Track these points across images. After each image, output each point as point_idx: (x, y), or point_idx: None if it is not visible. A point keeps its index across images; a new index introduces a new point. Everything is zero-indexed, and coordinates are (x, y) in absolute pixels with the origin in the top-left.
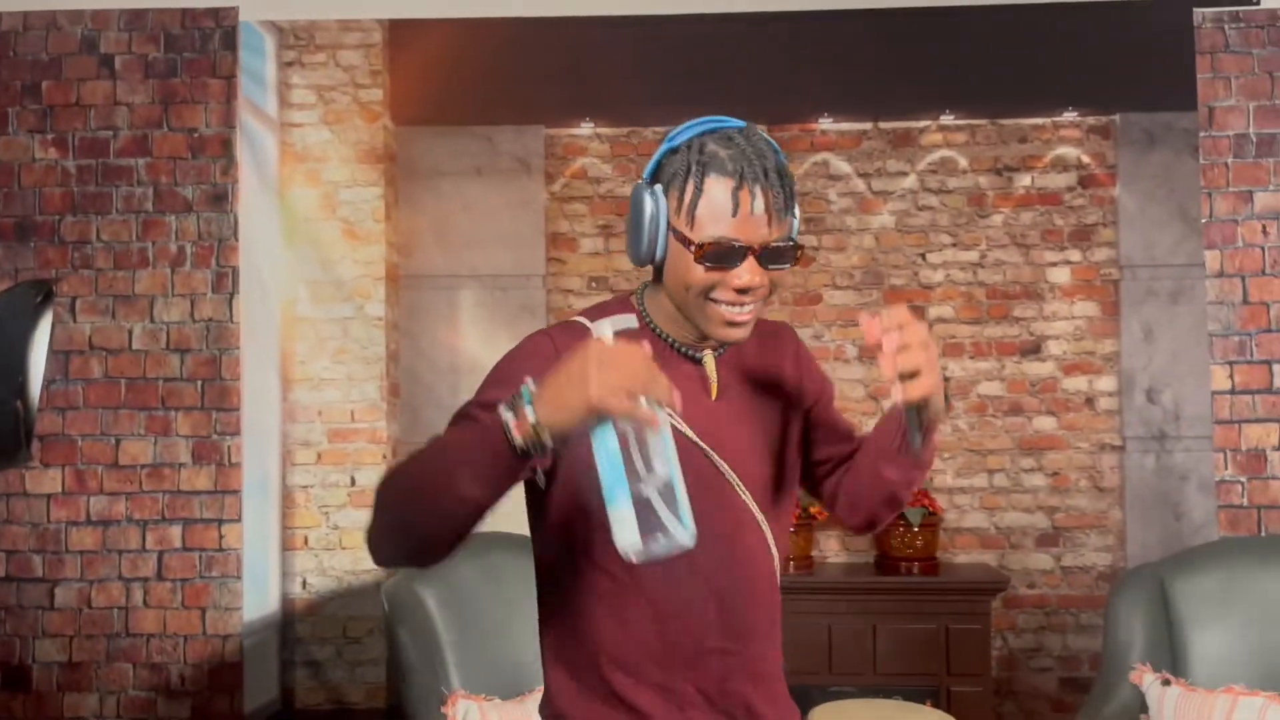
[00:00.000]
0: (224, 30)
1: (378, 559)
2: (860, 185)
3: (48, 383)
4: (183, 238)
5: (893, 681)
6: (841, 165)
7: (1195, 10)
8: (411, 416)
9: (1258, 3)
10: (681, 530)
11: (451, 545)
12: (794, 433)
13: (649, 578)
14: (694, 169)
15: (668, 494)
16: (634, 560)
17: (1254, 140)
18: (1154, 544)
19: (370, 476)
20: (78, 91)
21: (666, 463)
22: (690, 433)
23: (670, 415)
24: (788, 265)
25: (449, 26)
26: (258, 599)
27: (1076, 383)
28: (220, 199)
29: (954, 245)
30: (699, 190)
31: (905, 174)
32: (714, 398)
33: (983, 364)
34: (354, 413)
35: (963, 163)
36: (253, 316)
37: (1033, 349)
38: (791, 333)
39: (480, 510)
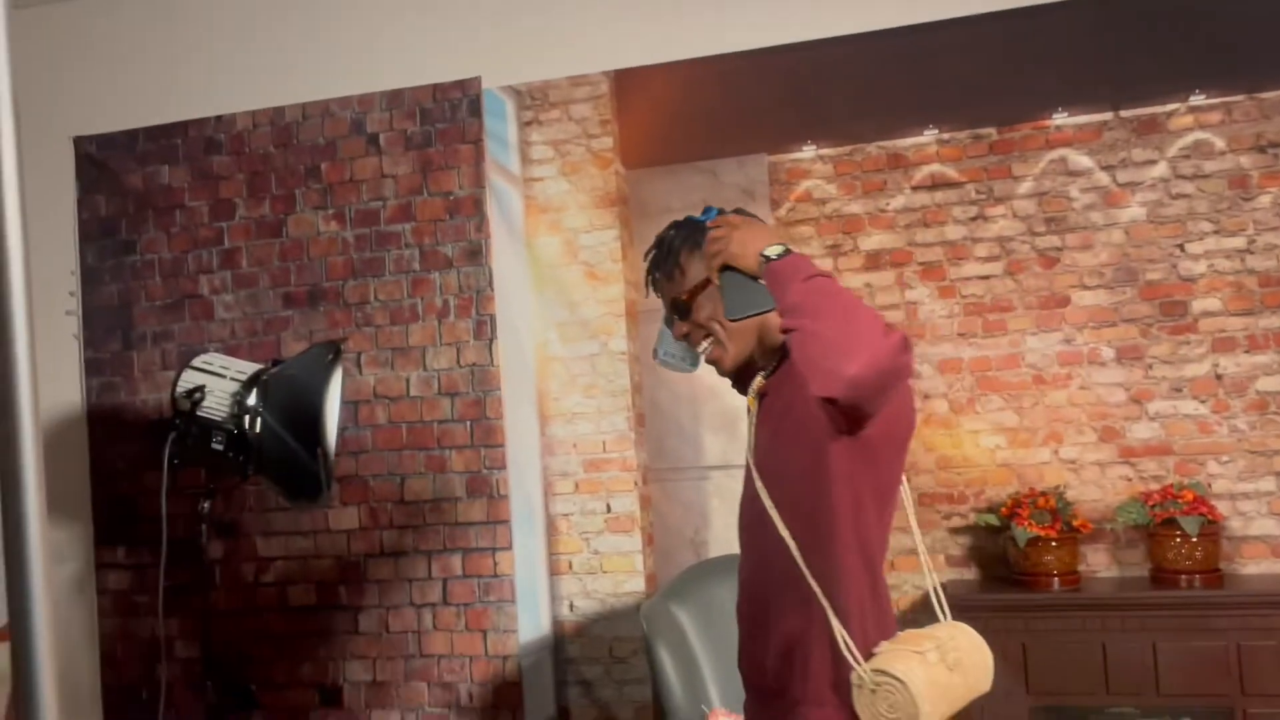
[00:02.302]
0: (470, 99)
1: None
2: (1104, 178)
3: (342, 430)
4: (446, 292)
5: (1179, 703)
6: (1081, 160)
7: None
8: (657, 444)
9: None
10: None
11: None
12: (823, 440)
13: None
14: None
15: None
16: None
17: None
18: None
19: (624, 503)
20: (350, 169)
21: None
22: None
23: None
24: (688, 312)
25: (669, 69)
26: (531, 622)
27: None
28: (476, 254)
29: (1216, 233)
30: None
31: (1154, 162)
32: (751, 405)
33: (1260, 358)
34: (605, 443)
35: (1219, 144)
36: (510, 359)
37: None
38: None
39: None
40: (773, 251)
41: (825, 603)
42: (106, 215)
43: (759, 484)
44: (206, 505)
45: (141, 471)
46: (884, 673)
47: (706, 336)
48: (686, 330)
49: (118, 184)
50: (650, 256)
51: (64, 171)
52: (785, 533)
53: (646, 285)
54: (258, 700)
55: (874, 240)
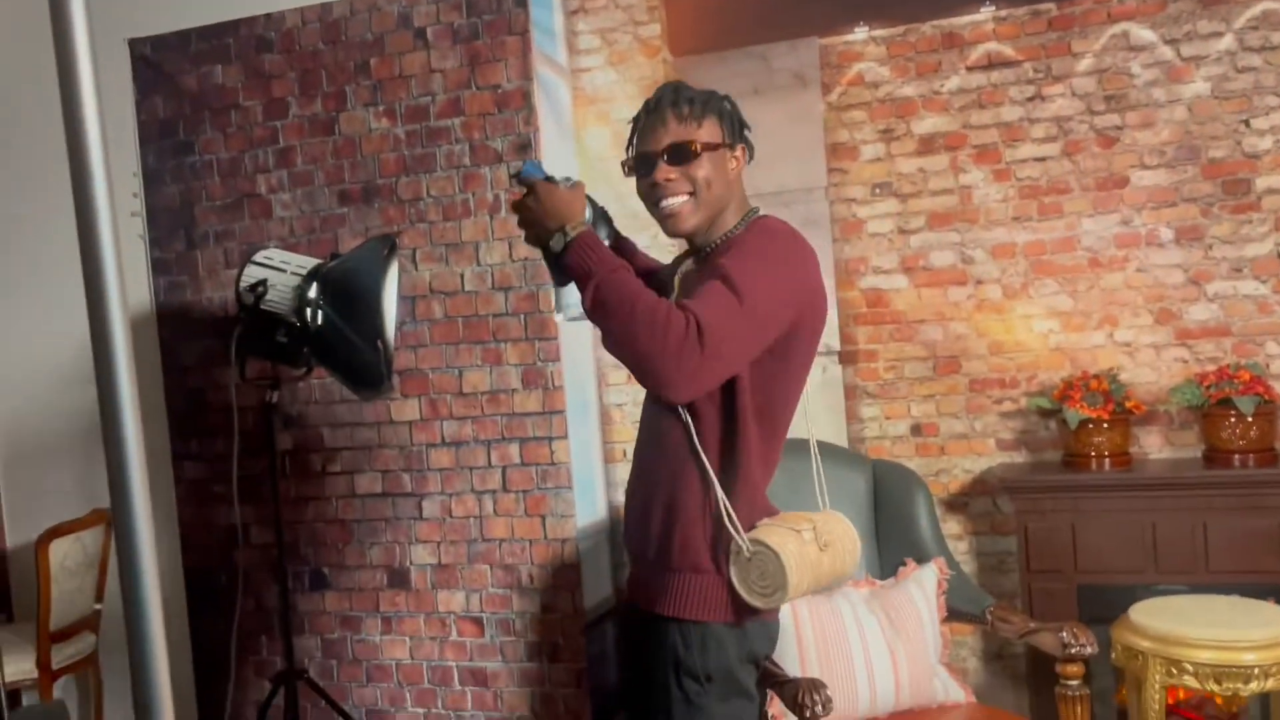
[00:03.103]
0: None
1: None
2: (1168, 53)
3: (400, 324)
4: (497, 186)
5: (1227, 579)
6: (1144, 34)
7: None
8: None
9: None
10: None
11: None
12: None
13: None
14: (631, 124)
15: None
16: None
17: None
18: None
19: None
20: (399, 64)
21: None
22: None
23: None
24: (691, 160)
25: None
26: (588, 507)
27: None
28: (525, 148)
29: None
30: (633, 129)
31: (1220, 34)
32: (676, 288)
33: None
34: None
35: None
36: None
37: None
38: (756, 228)
39: None
40: (556, 244)
41: (714, 478)
42: (165, 117)
43: None
44: (274, 397)
45: (210, 366)
46: (761, 543)
47: (688, 194)
48: (667, 177)
49: (173, 85)
50: (665, 96)
51: (121, 74)
52: (684, 411)
53: (634, 128)
54: (330, 581)
55: (927, 124)
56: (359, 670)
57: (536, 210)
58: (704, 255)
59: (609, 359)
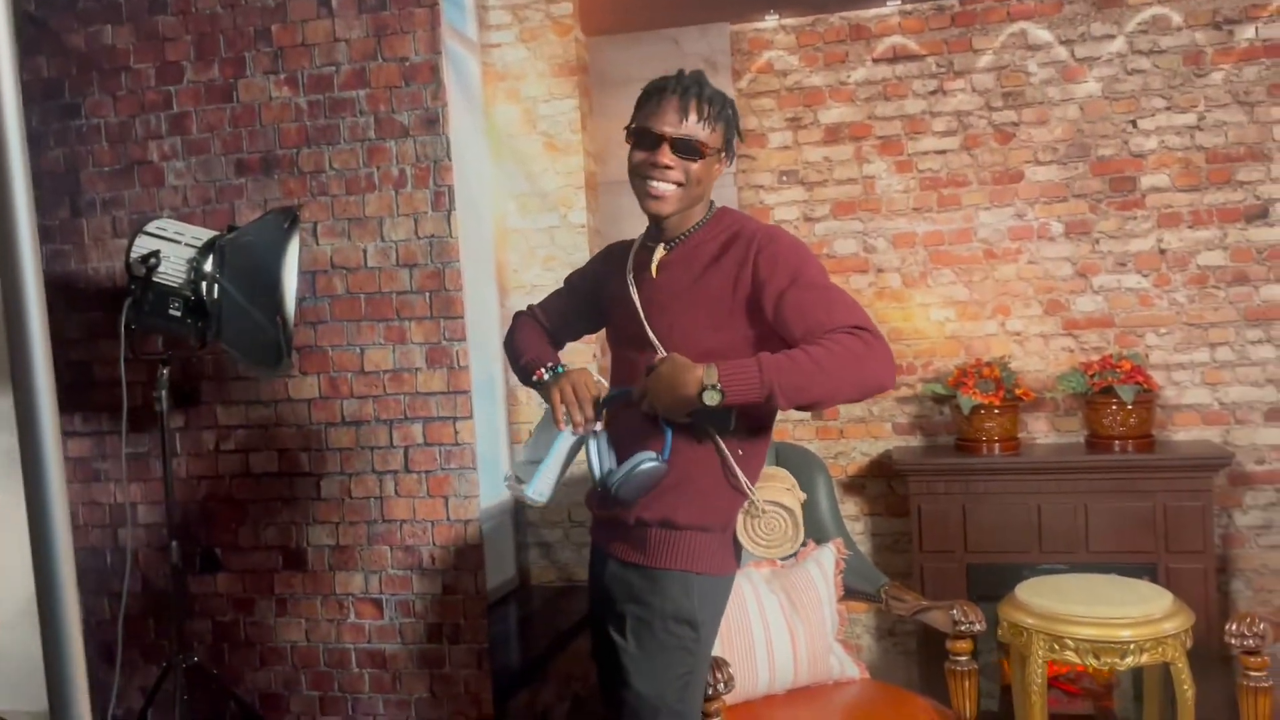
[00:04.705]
0: None
1: None
2: (1062, 53)
3: (300, 300)
4: (402, 161)
5: (1106, 559)
6: (1041, 34)
7: None
8: None
9: None
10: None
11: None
12: (737, 312)
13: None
14: (645, 91)
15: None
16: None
17: None
18: None
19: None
20: (302, 32)
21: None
22: (635, 297)
23: (630, 286)
24: (696, 159)
25: None
26: (492, 488)
27: None
28: (433, 122)
29: (1168, 109)
30: (642, 99)
31: (1112, 37)
32: (654, 274)
33: (1203, 233)
34: None
35: (1176, 19)
36: (469, 231)
37: (1259, 214)
38: (765, 238)
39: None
40: (712, 400)
41: (721, 443)
42: (49, 77)
43: (657, 341)
44: (165, 372)
45: (97, 339)
46: (775, 503)
47: (678, 184)
48: (667, 164)
49: (59, 44)
50: (692, 88)
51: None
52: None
53: (646, 98)
54: (221, 562)
55: (834, 113)
56: (252, 654)
57: (663, 392)
58: (674, 244)
59: None
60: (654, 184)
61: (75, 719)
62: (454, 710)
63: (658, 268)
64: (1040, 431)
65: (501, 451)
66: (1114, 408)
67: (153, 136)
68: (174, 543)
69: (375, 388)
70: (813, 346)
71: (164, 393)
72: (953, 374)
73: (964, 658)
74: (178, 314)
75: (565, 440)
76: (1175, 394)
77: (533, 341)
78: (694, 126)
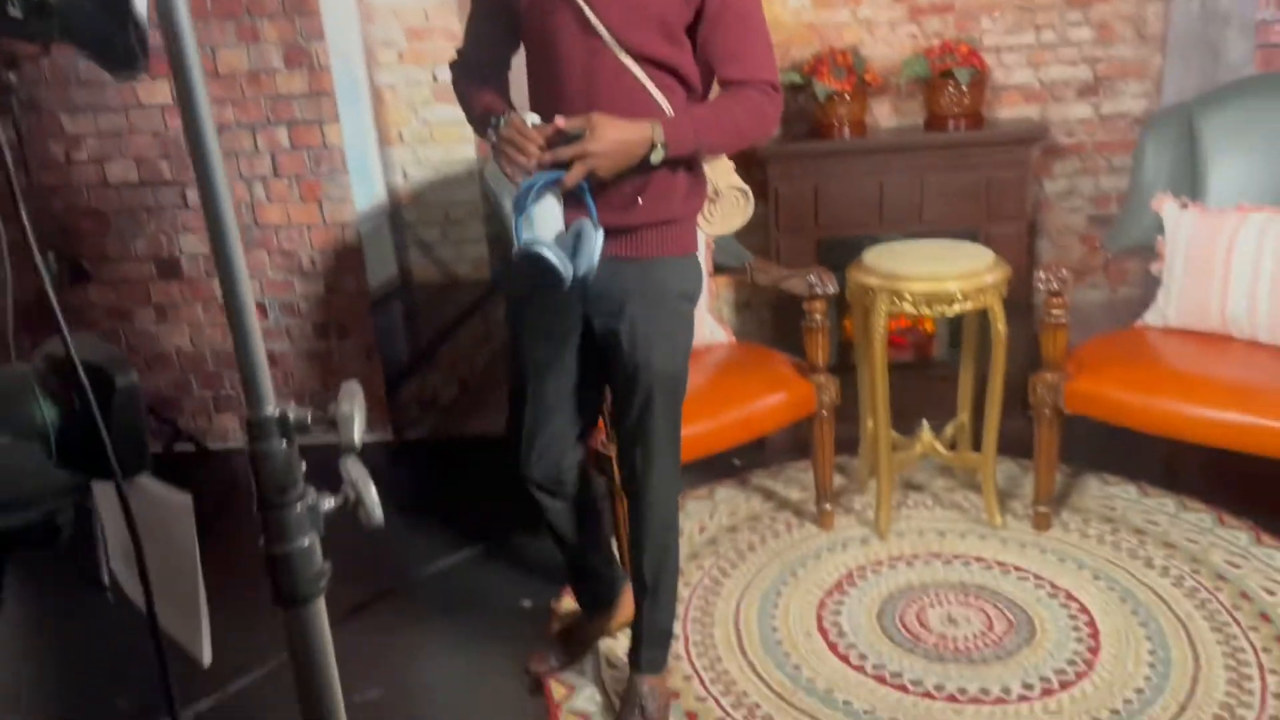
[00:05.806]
0: None
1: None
2: None
3: None
4: None
5: (937, 228)
6: None
7: None
8: None
9: None
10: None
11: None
12: (679, 18)
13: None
14: None
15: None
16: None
17: None
18: (1191, 88)
19: (448, 73)
20: None
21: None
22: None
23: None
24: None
25: None
26: (366, 190)
27: None
28: None
29: None
30: None
31: None
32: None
33: None
34: (427, 12)
35: None
36: None
37: None
38: None
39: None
40: (658, 158)
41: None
42: None
43: (614, 42)
44: (13, 76)
45: None
46: (735, 188)
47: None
48: None
49: None
50: None
51: None
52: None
53: None
54: (90, 272)
55: None
56: (137, 359)
57: (610, 153)
58: None
59: (377, 36)
60: None
61: None
62: None
63: None
64: (884, 115)
65: (373, 154)
66: (950, 90)
67: None
68: (50, 253)
69: (233, 90)
70: (733, 104)
71: (14, 99)
72: (809, 61)
73: (820, 316)
74: (18, 15)
75: (547, 202)
76: (1004, 75)
77: (472, 94)
78: None
